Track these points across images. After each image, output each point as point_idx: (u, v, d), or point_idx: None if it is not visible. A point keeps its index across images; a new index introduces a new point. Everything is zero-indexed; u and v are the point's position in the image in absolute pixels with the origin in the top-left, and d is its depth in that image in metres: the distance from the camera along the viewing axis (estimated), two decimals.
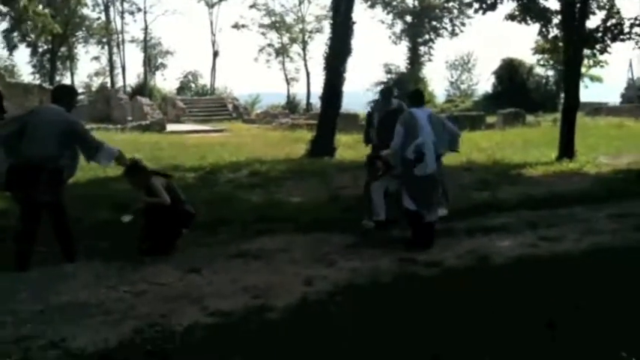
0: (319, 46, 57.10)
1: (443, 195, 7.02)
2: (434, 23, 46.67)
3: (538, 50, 21.85)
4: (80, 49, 48.99)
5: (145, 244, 6.39)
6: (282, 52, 48.39)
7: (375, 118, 8.71)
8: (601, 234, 7.10)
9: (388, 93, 9.10)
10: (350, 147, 15.75)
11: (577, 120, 14.72)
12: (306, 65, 47.42)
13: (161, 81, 49.94)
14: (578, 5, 13.86)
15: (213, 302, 4.92)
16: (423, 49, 47.11)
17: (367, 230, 7.29)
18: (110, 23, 46.52)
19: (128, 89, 40.95)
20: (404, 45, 46.89)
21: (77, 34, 46.75)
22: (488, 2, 14.86)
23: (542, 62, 32.63)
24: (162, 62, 50.90)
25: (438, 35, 47.02)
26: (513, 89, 36.58)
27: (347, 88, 15.91)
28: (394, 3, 46.22)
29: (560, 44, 15.33)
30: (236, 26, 47.71)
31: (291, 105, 43.28)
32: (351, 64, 15.44)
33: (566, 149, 13.91)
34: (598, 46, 14.37)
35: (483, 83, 48.20)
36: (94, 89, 33.78)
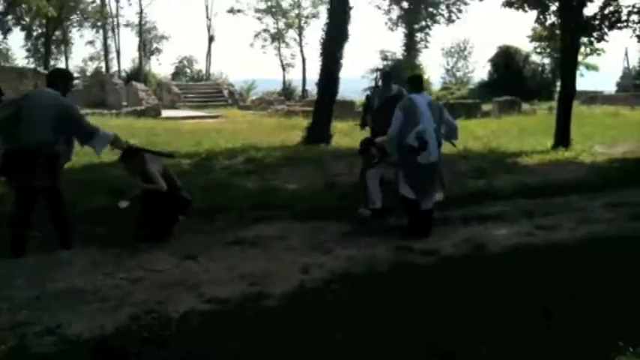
0: (315, 31, 57.06)
1: (439, 181, 6.97)
2: (430, 9, 46.43)
3: (535, 38, 21.81)
4: (75, 33, 48.78)
5: (142, 231, 6.38)
6: (278, 37, 48.18)
7: (374, 103, 8.62)
8: (597, 223, 7.12)
9: (388, 78, 8.98)
10: (346, 134, 15.72)
11: (573, 108, 14.71)
12: (302, 51, 47.30)
13: (156, 66, 49.64)
14: None
15: (210, 289, 4.91)
16: (419, 35, 46.89)
17: (363, 218, 7.29)
18: (105, 7, 46.20)
19: (123, 74, 40.68)
20: (400, 31, 46.71)
21: (72, 17, 46.45)
22: None
23: (538, 50, 32.62)
24: (157, 47, 50.75)
25: (435, 22, 46.81)
26: (509, 77, 36.50)
27: (343, 74, 15.80)
28: None
29: (558, 32, 15.29)
30: (231, 11, 47.49)
31: (286, 91, 43.15)
32: (347, 50, 15.31)
33: (562, 138, 13.92)
34: (595, 34, 14.35)
35: (479, 71, 48.24)
36: (88, 74, 33.56)
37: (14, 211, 5.85)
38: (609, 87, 39.30)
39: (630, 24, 14.03)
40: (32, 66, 36.41)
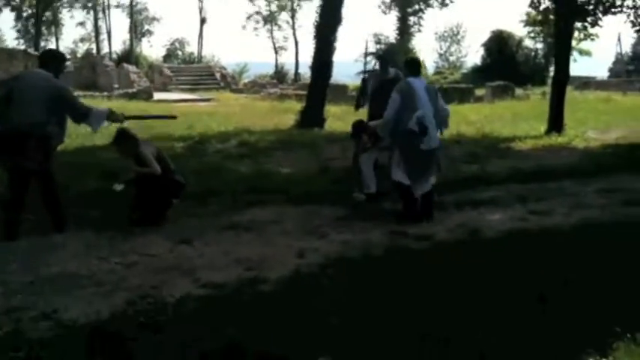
0: (308, 14, 56.63)
1: (436, 166, 6.93)
2: None
3: (529, 22, 21.78)
4: (65, 14, 48.31)
5: (135, 214, 6.35)
6: (270, 20, 47.89)
7: (370, 86, 8.49)
8: (590, 208, 7.14)
9: (385, 61, 8.84)
10: (339, 118, 15.64)
11: (566, 94, 14.73)
12: (294, 34, 47.08)
13: (147, 48, 49.32)
14: None
15: (205, 274, 4.90)
16: (412, 19, 46.71)
17: (358, 203, 7.28)
18: None
19: (114, 56, 40.37)
20: (393, 15, 46.50)
21: None
22: None
23: (532, 35, 32.56)
24: (148, 29, 50.32)
25: (428, 5, 46.59)
26: (502, 62, 36.51)
27: (335, 58, 15.71)
28: None
29: (552, 17, 15.27)
30: None
31: (279, 75, 42.96)
32: (340, 33, 15.20)
33: (555, 123, 13.95)
34: (589, 19, 14.33)
35: (472, 55, 48.22)
36: (79, 55, 33.22)
37: (7, 193, 5.80)
38: (602, 72, 39.48)
39: (624, 9, 14.02)
40: (22, 47, 36.02)
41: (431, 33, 58.56)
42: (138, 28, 48.10)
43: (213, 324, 3.90)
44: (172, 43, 48.75)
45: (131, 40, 44.54)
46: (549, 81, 33.04)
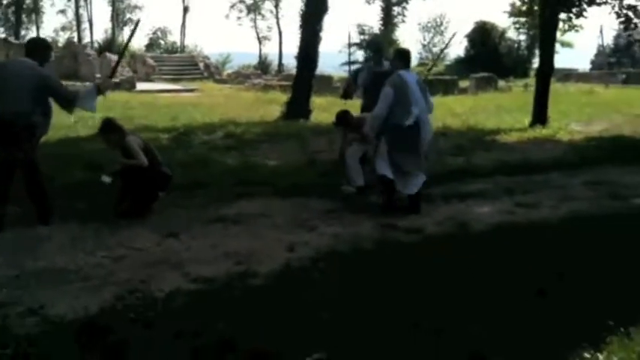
0: (292, 3, 56.38)
1: (423, 162, 6.89)
2: None
3: (514, 13, 21.82)
4: (46, 2, 47.54)
5: (121, 207, 6.28)
6: (254, 8, 47.55)
7: (361, 77, 8.35)
8: (577, 201, 7.19)
9: (379, 53, 8.65)
10: (325, 109, 15.56)
11: (550, 86, 14.79)
12: (278, 23, 46.77)
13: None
14: None
15: (194, 268, 4.84)
16: (396, 9, 46.65)
17: (347, 195, 7.24)
18: None
19: (95, 45, 39.85)
20: (377, 5, 46.41)
21: None
22: None
23: (517, 26, 32.66)
24: (130, 17, 49.61)
25: None
26: (485, 53, 36.62)
27: (320, 48, 15.60)
28: None
29: (536, 8, 15.30)
30: None
31: (262, 65, 42.70)
32: (325, 24, 15.07)
33: (540, 115, 14.00)
34: (574, 10, 14.35)
35: (456, 47, 48.27)
36: (60, 44, 32.72)
37: None
38: (583, 65, 39.76)
39: (609, 0, 14.06)
40: (2, 35, 35.40)
41: (414, 24, 58.60)
42: (120, 17, 47.51)
43: (203, 319, 3.86)
44: (155, 32, 48.31)
45: (113, 28, 44.04)
46: (532, 73, 33.35)
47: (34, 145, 5.74)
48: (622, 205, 6.97)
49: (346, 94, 8.88)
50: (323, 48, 15.86)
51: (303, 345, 3.51)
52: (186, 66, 32.32)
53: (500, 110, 17.39)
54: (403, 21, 47.36)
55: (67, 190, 6.92)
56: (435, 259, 5.02)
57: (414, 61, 45.95)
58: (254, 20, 47.98)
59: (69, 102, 5.93)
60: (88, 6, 45.89)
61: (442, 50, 32.84)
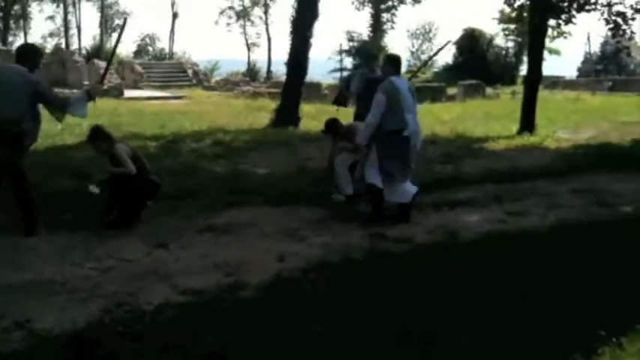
0: (282, 9, 56.29)
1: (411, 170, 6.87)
2: None
3: (503, 20, 21.96)
4: (34, 8, 47.18)
5: (108, 217, 6.22)
6: (243, 15, 47.52)
7: (354, 84, 8.27)
8: (566, 209, 7.21)
9: (373, 59, 8.57)
10: (313, 117, 15.55)
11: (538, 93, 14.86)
12: (267, 30, 46.77)
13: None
14: None
15: (183, 280, 4.80)
16: (385, 15, 46.81)
17: (336, 204, 7.22)
18: None
19: (83, 52, 39.64)
20: (367, 11, 46.55)
21: None
22: None
23: (506, 32, 32.83)
24: (118, 23, 49.40)
25: (401, 2, 46.75)
26: (474, 61, 36.82)
27: (309, 55, 15.57)
28: None
29: (525, 14, 15.38)
30: None
31: (251, 72, 42.66)
32: (314, 30, 15.02)
33: (527, 123, 14.06)
34: (563, 16, 14.44)
35: (444, 54, 48.47)
36: (48, 51, 32.50)
37: None
38: (570, 72, 40.01)
39: (598, 7, 14.17)
40: None
41: (403, 30, 58.84)
42: (108, 23, 47.32)
43: (193, 332, 3.82)
44: (143, 39, 48.15)
45: (101, 35, 43.84)
46: (519, 80, 33.56)
47: (23, 152, 5.69)
48: (610, 213, 7.01)
49: (340, 102, 8.82)
50: (311, 55, 15.81)
51: (293, 357, 3.49)
52: (174, 73, 32.25)
53: (488, 117, 17.47)
54: (392, 28, 47.67)
55: (54, 199, 6.84)
56: (425, 268, 5.01)
57: (403, 68, 46.16)
58: (243, 26, 47.96)
59: (60, 108, 5.88)
60: (77, 12, 45.73)
61: (431, 57, 32.93)
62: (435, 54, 32.00)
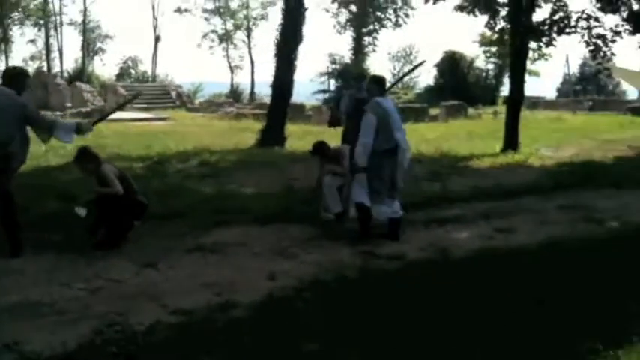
0: (264, 33, 56.55)
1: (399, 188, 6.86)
2: (378, 13, 46.88)
3: (484, 42, 22.29)
4: (16, 31, 46.83)
5: (96, 237, 6.15)
6: (226, 38, 47.65)
7: (345, 104, 8.29)
8: (554, 225, 7.25)
9: (361, 79, 8.61)
10: (299, 138, 15.60)
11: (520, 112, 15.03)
12: (250, 53, 46.90)
13: (100, 66, 48.21)
14: None
15: (173, 299, 4.73)
16: (367, 39, 47.24)
17: (325, 222, 7.20)
18: (48, 4, 44.56)
19: (65, 74, 39.44)
20: (349, 35, 46.95)
21: (13, 15, 44.66)
22: None
23: (487, 55, 33.27)
24: (101, 47, 49.33)
25: (382, 26, 47.23)
26: (455, 82, 37.21)
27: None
28: None
29: (506, 37, 15.63)
30: (179, 10, 46.73)
31: (234, 94, 42.69)
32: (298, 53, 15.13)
33: (511, 141, 14.20)
34: (544, 39, 14.67)
35: (425, 75, 48.92)
36: (30, 74, 32.30)
37: None
38: (549, 92, 40.62)
39: (579, 30, 14.41)
40: None
41: (385, 53, 59.34)
42: (90, 46, 47.16)
43: (185, 352, 3.76)
44: (125, 62, 47.95)
45: (83, 58, 43.61)
46: (500, 101, 33.97)
47: (10, 175, 5.62)
48: (597, 229, 7.06)
49: (335, 123, 8.82)
50: (294, 77, 15.90)
51: None
52: (158, 95, 32.15)
53: (472, 137, 17.62)
54: (374, 50, 48.00)
55: (41, 221, 6.74)
56: (418, 285, 4.99)
57: None
58: (226, 49, 48.06)
59: (47, 130, 5.85)
60: (58, 36, 45.51)
61: (405, 74, 33.11)
62: (410, 72, 32.29)
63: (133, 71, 47.60)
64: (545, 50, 16.04)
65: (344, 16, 46.77)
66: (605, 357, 3.44)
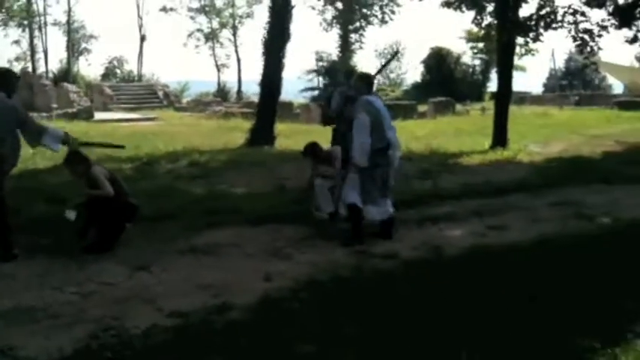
0: (250, 31, 56.40)
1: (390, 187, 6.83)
2: (364, 10, 46.90)
3: (471, 38, 22.34)
4: None
5: (85, 240, 6.10)
6: (211, 37, 47.47)
7: (336, 101, 8.25)
8: (545, 222, 7.28)
9: (352, 75, 8.57)
10: (287, 136, 15.58)
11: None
12: (236, 51, 46.76)
13: (85, 67, 47.87)
14: None
15: (168, 302, 4.69)
16: (353, 36, 47.25)
17: (319, 222, 7.17)
18: (32, 5, 44.16)
19: (50, 75, 39.11)
20: (335, 32, 46.93)
21: None
22: None
23: (474, 50, 33.38)
24: (86, 47, 49.00)
25: (369, 23, 47.25)
26: (441, 78, 37.31)
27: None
28: None
29: (493, 33, 15.69)
30: (164, 9, 46.50)
31: (222, 93, 42.53)
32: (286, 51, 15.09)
33: (500, 137, 14.27)
34: (531, 34, 14.73)
35: (412, 72, 49.01)
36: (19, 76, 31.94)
37: None
38: (535, 88, 40.87)
39: (565, 24, 14.48)
40: None
41: (372, 50, 59.36)
42: (75, 47, 46.80)
43: (183, 355, 3.74)
44: (111, 62, 47.63)
45: (68, 58, 43.28)
46: (487, 97, 34.11)
47: (2, 178, 5.56)
48: (588, 226, 7.10)
49: (327, 121, 8.77)
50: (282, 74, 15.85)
51: None
52: (144, 94, 32.00)
53: (460, 133, 17.69)
54: (361, 47, 48.04)
55: (31, 225, 6.67)
56: (412, 284, 4.99)
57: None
58: (212, 48, 47.88)
59: (36, 135, 5.80)
60: (43, 36, 45.12)
61: (383, 67, 32.97)
62: (387, 64, 32.13)
63: (118, 71, 47.34)
64: (532, 45, 16.00)
65: (330, 13, 46.80)
66: (602, 355, 3.45)
